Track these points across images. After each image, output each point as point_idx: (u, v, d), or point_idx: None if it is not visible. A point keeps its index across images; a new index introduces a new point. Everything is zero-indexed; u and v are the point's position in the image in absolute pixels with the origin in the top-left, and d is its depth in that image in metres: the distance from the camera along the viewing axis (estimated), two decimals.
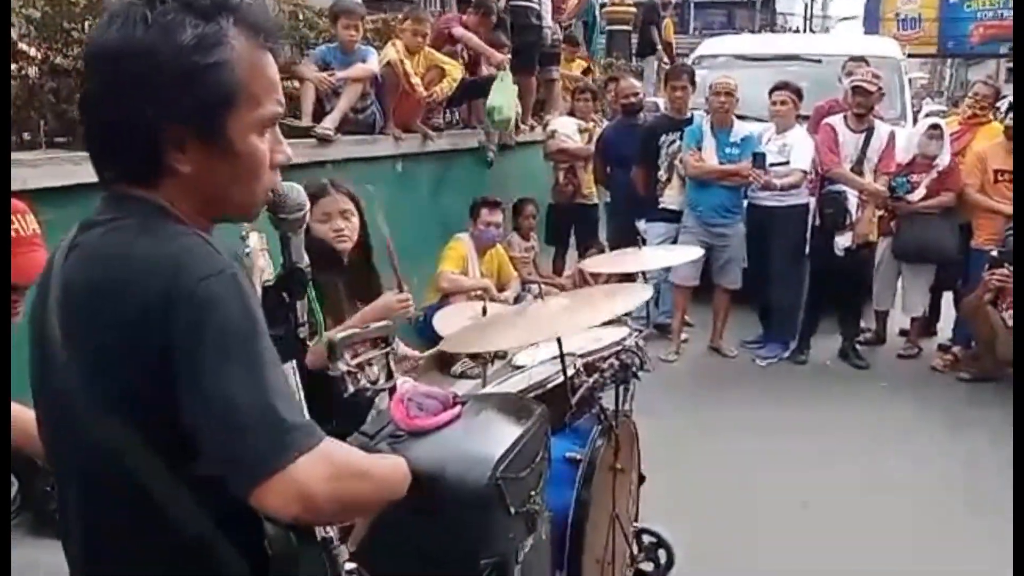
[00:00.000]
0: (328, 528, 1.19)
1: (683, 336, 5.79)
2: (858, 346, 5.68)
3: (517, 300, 5.23)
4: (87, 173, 1.16)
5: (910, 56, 12.59)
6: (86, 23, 3.20)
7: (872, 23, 18.84)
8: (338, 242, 2.58)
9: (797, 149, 5.41)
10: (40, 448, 1.19)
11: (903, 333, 5.97)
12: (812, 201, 5.51)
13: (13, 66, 3.18)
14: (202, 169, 1.07)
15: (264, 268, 1.85)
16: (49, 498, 1.86)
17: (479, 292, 4.96)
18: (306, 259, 1.33)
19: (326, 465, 1.00)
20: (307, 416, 1.03)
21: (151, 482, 1.03)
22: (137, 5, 1.03)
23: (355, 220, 2.61)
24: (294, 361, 1.29)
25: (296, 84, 4.63)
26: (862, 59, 6.16)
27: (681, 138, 5.71)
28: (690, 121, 5.80)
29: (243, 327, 1.01)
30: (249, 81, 1.06)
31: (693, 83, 5.89)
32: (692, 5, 25.23)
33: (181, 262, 1.01)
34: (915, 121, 6.79)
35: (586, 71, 8.24)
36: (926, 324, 5.95)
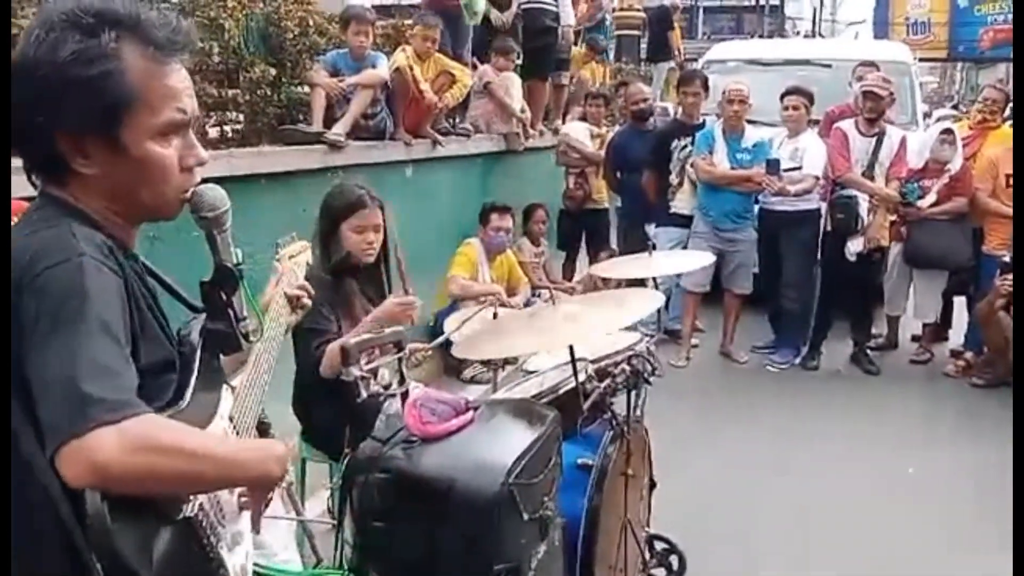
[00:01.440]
0: (194, 507, 1.20)
1: (693, 341, 5.77)
2: (870, 351, 5.66)
3: (527, 305, 5.22)
4: None
5: (920, 60, 12.55)
6: None
7: (881, 27, 18.77)
8: (366, 255, 2.63)
9: (809, 154, 5.40)
10: None
11: (915, 338, 5.94)
12: (824, 206, 5.50)
13: None
14: (105, 171, 1.19)
15: (291, 273, 1.83)
16: None
17: (489, 297, 4.95)
18: (236, 257, 1.38)
19: (124, 438, 1.02)
20: (125, 393, 1.06)
21: (32, 459, 1.09)
22: (35, 26, 1.16)
23: (382, 233, 2.66)
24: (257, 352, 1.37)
25: (307, 90, 4.64)
26: (873, 64, 6.14)
27: (693, 143, 5.70)
28: (702, 126, 5.79)
29: (71, 307, 1.08)
30: (140, 91, 1.17)
31: (706, 88, 5.89)
32: (701, 10, 25.21)
33: (37, 251, 1.12)
34: (926, 126, 6.77)
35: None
36: (938, 329, 5.92)
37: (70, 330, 1.07)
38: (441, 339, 2.60)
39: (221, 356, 1.40)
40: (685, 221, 5.66)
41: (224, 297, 1.36)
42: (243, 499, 1.34)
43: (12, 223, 1.75)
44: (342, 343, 1.71)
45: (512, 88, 6.27)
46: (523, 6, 6.50)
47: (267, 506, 1.32)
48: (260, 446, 1.27)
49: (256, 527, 1.33)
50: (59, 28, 1.14)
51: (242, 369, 1.48)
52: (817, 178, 5.39)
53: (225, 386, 1.38)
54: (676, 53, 10.68)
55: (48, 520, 1.12)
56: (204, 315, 1.36)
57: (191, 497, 1.21)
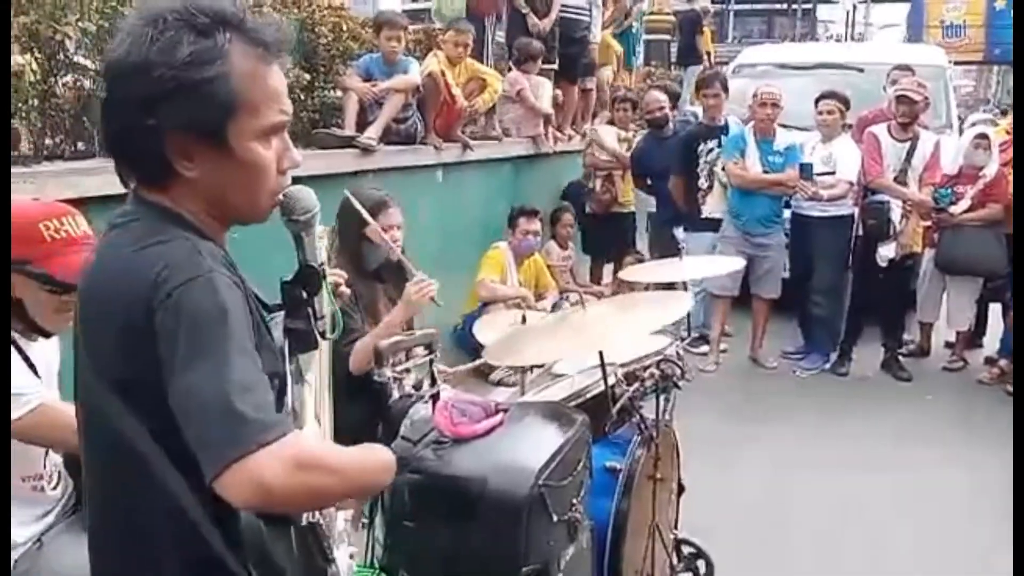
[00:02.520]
0: (316, 514, 1.24)
1: (722, 346, 5.74)
2: (901, 358, 5.59)
3: (554, 309, 5.23)
4: None
5: (955, 64, 12.36)
6: None
7: (915, 31, 18.52)
8: (393, 253, 2.68)
9: (843, 160, 5.35)
10: None
11: (948, 345, 5.86)
12: (856, 211, 5.45)
13: (68, 78, 3.28)
14: (208, 174, 1.16)
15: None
16: None
17: (517, 300, 4.97)
18: (320, 258, 1.40)
19: (283, 458, 1.03)
20: (272, 411, 1.08)
21: (158, 473, 1.11)
22: (141, 24, 1.12)
23: (403, 231, 2.72)
24: (324, 349, 1.38)
25: (340, 94, 4.69)
26: (907, 68, 6.07)
27: (719, 145, 5.69)
28: (725, 128, 5.77)
29: (213, 328, 1.07)
30: (248, 92, 1.14)
31: (726, 90, 5.87)
32: (731, 13, 25.06)
33: (164, 266, 1.09)
34: (961, 130, 6.68)
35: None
36: (972, 336, 5.84)
37: (216, 351, 1.05)
38: (476, 363, 2.63)
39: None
40: (716, 225, 5.64)
41: (305, 296, 1.37)
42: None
43: (87, 228, 1.82)
44: (375, 343, 1.73)
45: (541, 91, 6.30)
46: (561, 14, 6.53)
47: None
48: (377, 456, 1.26)
49: (357, 526, 1.35)
50: (173, 27, 1.11)
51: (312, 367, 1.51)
52: (851, 184, 5.35)
53: (305, 385, 1.41)
54: (706, 57, 10.63)
55: (182, 540, 1.13)
56: (282, 314, 1.36)
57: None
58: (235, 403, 1.03)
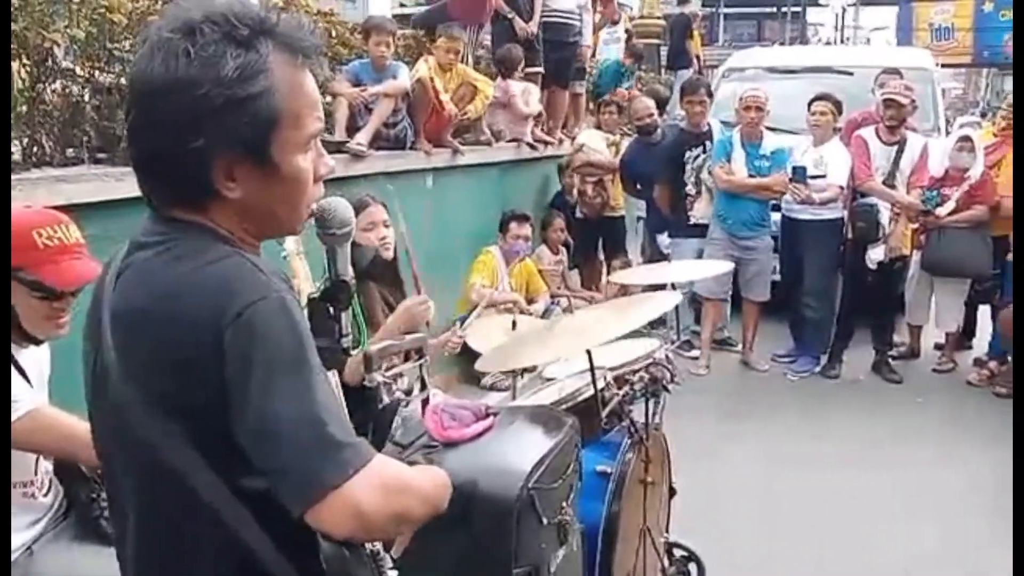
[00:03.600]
0: (375, 542, 1.22)
1: (737, 349, 5.80)
2: (891, 360, 5.62)
3: (545, 313, 5.25)
4: (129, 188, 1.19)
5: (944, 66, 12.44)
6: (127, 42, 3.29)
7: (905, 33, 18.64)
8: (384, 250, 2.68)
9: (834, 163, 5.37)
10: (94, 458, 1.23)
11: (938, 347, 5.90)
12: (845, 214, 5.48)
13: (57, 84, 3.28)
14: (251, 193, 1.08)
15: (300, 272, 1.91)
16: (93, 506, 1.92)
17: (508, 304, 4.99)
18: (351, 272, 1.36)
19: (378, 482, 1.01)
20: (354, 434, 1.04)
21: (211, 500, 1.04)
22: (177, 37, 1.03)
23: (391, 229, 2.71)
24: (335, 371, 1.33)
25: (329, 100, 4.70)
26: (896, 71, 6.12)
27: (704, 152, 5.72)
28: (709, 134, 5.81)
29: (291, 350, 1.02)
30: (290, 103, 1.07)
31: (711, 96, 5.91)
32: (721, 17, 25.16)
33: (229, 287, 1.02)
34: (948, 133, 6.73)
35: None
36: (961, 338, 5.87)
37: (298, 374, 1.01)
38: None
39: None
40: (703, 231, 5.67)
41: (332, 312, 1.33)
42: None
43: (79, 236, 1.82)
44: (364, 350, 1.74)
45: (529, 96, 6.31)
46: (547, 18, 6.55)
47: None
48: (438, 476, 1.21)
49: (400, 552, 1.32)
50: (213, 40, 1.02)
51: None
52: (841, 188, 5.37)
53: None
54: (695, 61, 10.68)
55: (222, 547, 1.07)
56: None
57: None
58: (328, 428, 0.99)
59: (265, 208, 1.11)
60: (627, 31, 9.42)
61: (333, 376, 1.33)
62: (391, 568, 1.29)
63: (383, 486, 1.01)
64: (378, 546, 1.22)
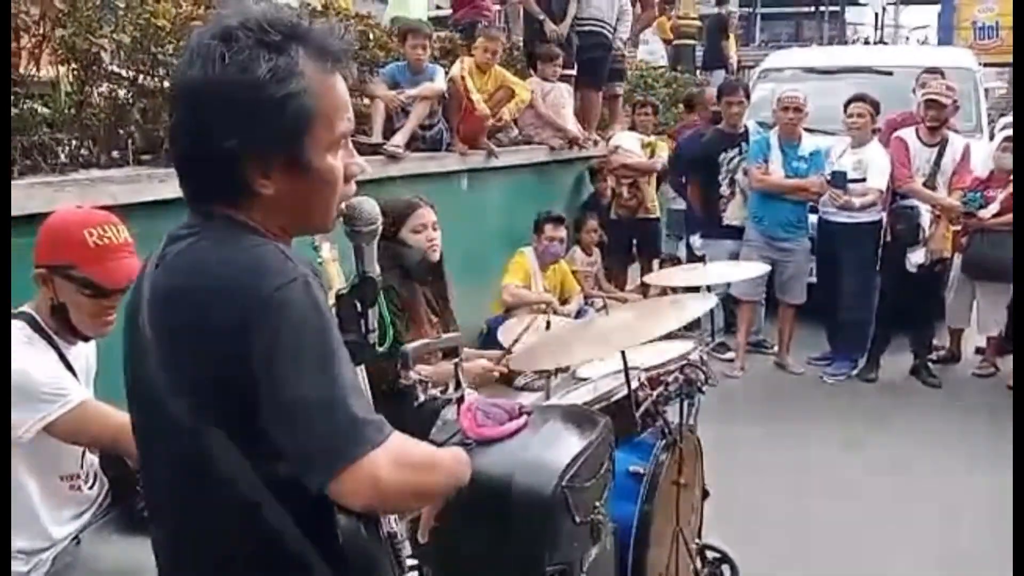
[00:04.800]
0: (392, 524, 1.26)
1: (774, 350, 5.76)
2: (931, 364, 5.53)
3: (579, 314, 5.24)
4: (172, 189, 1.24)
5: (988, 65, 12.18)
6: (171, 46, 3.36)
7: (946, 32, 18.32)
8: (432, 252, 2.73)
9: (874, 166, 5.29)
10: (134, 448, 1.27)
11: (979, 351, 5.79)
12: (884, 216, 5.40)
13: (104, 88, 3.36)
14: (284, 190, 1.14)
15: (335, 276, 1.95)
16: (137, 498, 1.96)
17: (542, 306, 4.99)
18: (377, 269, 1.40)
19: (396, 456, 1.06)
20: (374, 411, 1.09)
21: (236, 479, 1.10)
22: (215, 43, 1.09)
23: (439, 231, 2.75)
24: (363, 366, 1.37)
25: (367, 102, 4.75)
26: (937, 71, 6.02)
27: (740, 153, 5.68)
28: (745, 135, 5.76)
29: (316, 331, 1.07)
30: (322, 104, 1.13)
31: (748, 97, 5.87)
32: (759, 17, 24.89)
33: (258, 271, 1.08)
34: (992, 133, 6.60)
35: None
36: (1003, 342, 5.75)
37: (324, 354, 1.06)
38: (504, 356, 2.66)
39: None
40: (736, 233, 5.63)
41: (359, 308, 1.37)
42: None
43: (127, 236, 1.88)
44: (400, 349, 1.77)
45: (562, 99, 6.31)
46: (579, 22, 6.55)
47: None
48: (459, 456, 1.27)
49: (425, 535, 1.37)
50: (247, 45, 1.09)
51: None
52: (881, 192, 5.29)
53: None
54: (730, 62, 10.59)
55: (255, 538, 1.12)
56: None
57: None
58: (351, 404, 1.04)
59: (297, 205, 1.17)
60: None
61: (361, 371, 1.36)
62: (410, 556, 1.33)
63: (401, 460, 1.06)
64: (395, 527, 1.26)
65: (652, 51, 9.85)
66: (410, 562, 1.44)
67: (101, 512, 2.02)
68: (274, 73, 1.09)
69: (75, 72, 3.20)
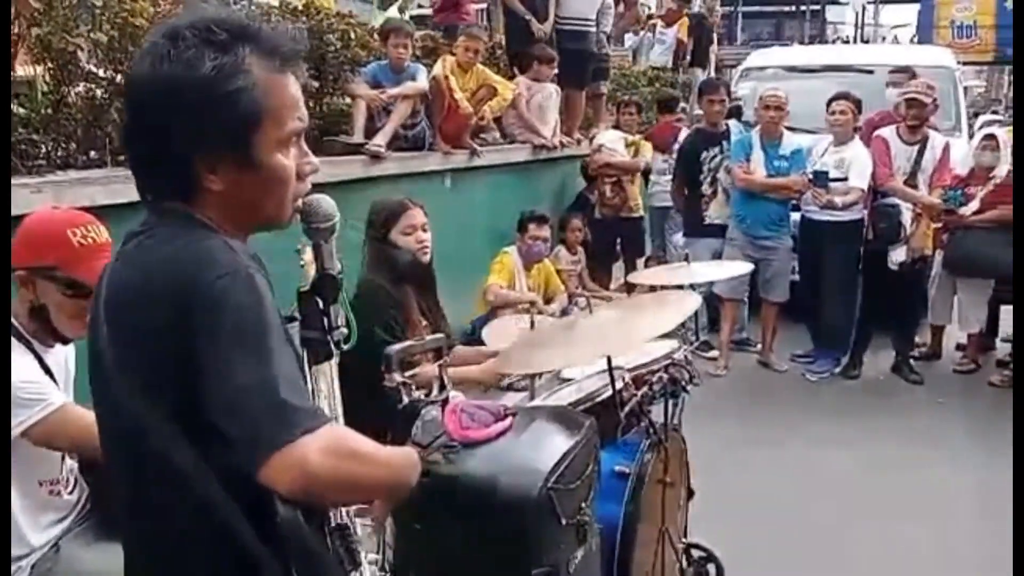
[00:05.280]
0: (344, 516, 1.25)
1: (754, 347, 5.80)
2: (913, 361, 5.57)
3: (563, 313, 5.24)
4: None
5: (967, 64, 12.30)
6: None
7: (926, 31, 18.46)
8: (422, 254, 2.72)
9: (856, 165, 5.32)
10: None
11: (960, 348, 5.84)
12: (865, 215, 5.44)
13: (81, 87, 3.32)
14: (233, 186, 1.17)
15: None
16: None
17: (526, 305, 4.99)
18: (338, 266, 1.40)
19: (327, 445, 1.05)
20: (311, 401, 1.11)
21: (188, 471, 1.11)
22: (162, 42, 1.13)
23: (430, 232, 2.74)
24: (332, 361, 1.39)
25: (348, 102, 4.72)
26: (907, 69, 6.08)
27: (721, 152, 5.70)
28: (727, 134, 5.79)
29: (254, 320, 1.09)
30: (270, 103, 1.16)
31: (729, 95, 5.89)
32: (740, 16, 25.00)
33: (201, 263, 1.10)
34: (971, 131, 6.66)
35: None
36: (984, 339, 5.81)
37: (260, 343, 1.07)
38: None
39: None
40: (718, 231, 5.64)
41: (321, 305, 1.37)
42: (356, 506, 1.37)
43: (107, 235, 1.86)
44: (386, 352, 1.75)
45: (548, 101, 6.31)
46: (561, 21, 6.55)
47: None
48: (406, 453, 1.28)
49: (382, 528, 1.36)
50: (193, 44, 1.12)
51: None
52: (863, 191, 5.32)
53: (322, 395, 1.42)
54: (710, 61, 10.62)
55: (214, 539, 1.13)
56: (296, 324, 1.36)
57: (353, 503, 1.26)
58: (282, 393, 1.05)
59: (248, 202, 1.20)
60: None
61: (331, 368, 1.38)
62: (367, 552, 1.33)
63: (332, 450, 1.06)
64: (345, 520, 1.25)
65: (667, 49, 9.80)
66: (371, 556, 1.43)
67: (81, 518, 1.99)
68: (219, 71, 1.11)
69: (51, 71, 3.16)
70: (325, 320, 1.38)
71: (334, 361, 1.56)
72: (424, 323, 2.73)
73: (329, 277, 1.38)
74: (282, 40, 1.19)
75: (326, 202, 1.36)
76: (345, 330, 1.43)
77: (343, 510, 1.25)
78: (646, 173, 6.82)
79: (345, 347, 1.44)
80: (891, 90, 5.82)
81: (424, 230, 2.75)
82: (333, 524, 1.23)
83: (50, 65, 3.13)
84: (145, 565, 1.23)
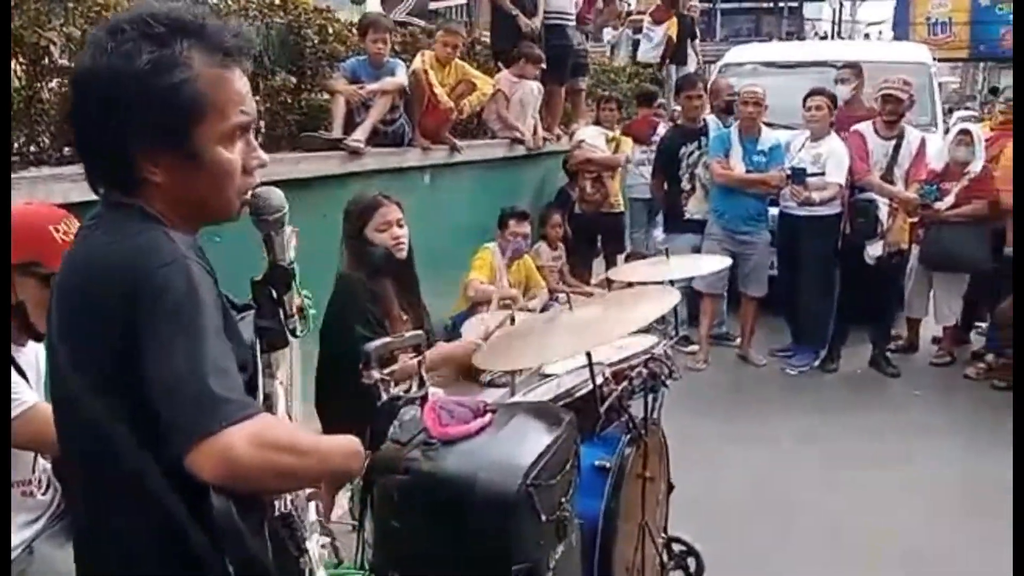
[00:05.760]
0: (288, 504, 1.26)
1: (735, 342, 5.83)
2: (889, 354, 5.63)
3: (544, 309, 5.24)
4: None
5: (941, 60, 12.39)
6: None
7: (902, 28, 18.61)
8: (397, 250, 2.70)
9: (833, 160, 5.36)
10: None
11: (936, 341, 5.91)
12: (843, 209, 5.47)
13: (55, 83, 3.27)
14: (175, 179, 1.19)
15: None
16: None
17: (507, 301, 4.98)
18: (291, 256, 1.41)
19: (252, 435, 1.06)
20: (242, 392, 1.11)
21: (136, 464, 1.13)
22: (103, 36, 1.15)
23: (406, 228, 2.72)
24: (292, 350, 1.40)
25: (327, 97, 4.69)
26: (855, 65, 6.14)
27: (699, 147, 5.72)
28: (705, 129, 5.80)
29: (190, 310, 1.10)
30: (213, 96, 1.17)
31: (707, 91, 5.91)
32: (719, 12, 25.10)
33: (140, 254, 1.12)
34: (947, 127, 6.73)
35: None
36: (959, 332, 5.88)
37: (192, 333, 1.08)
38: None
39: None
40: (698, 227, 5.67)
41: (275, 295, 1.38)
42: (309, 491, 1.38)
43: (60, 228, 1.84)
44: (365, 348, 1.74)
45: (530, 97, 6.30)
46: (547, 18, 6.55)
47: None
48: (346, 443, 1.29)
49: (328, 516, 1.37)
50: (131, 38, 1.13)
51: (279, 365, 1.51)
52: (840, 186, 5.36)
53: (276, 382, 1.42)
54: (693, 57, 10.65)
55: (157, 527, 1.14)
56: (252, 313, 1.38)
57: (286, 493, 1.26)
58: (210, 383, 1.06)
59: (192, 195, 1.21)
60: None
61: (292, 357, 1.40)
62: (316, 536, 1.35)
63: (257, 439, 1.06)
64: (289, 508, 1.26)
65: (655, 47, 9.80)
66: (323, 540, 1.43)
67: (54, 518, 1.97)
68: (155, 64, 1.13)
69: (24, 66, 3.11)
70: (280, 310, 1.39)
71: (296, 351, 1.56)
72: (405, 318, 2.72)
73: (280, 268, 1.39)
74: (225, 35, 1.20)
75: (275, 194, 1.36)
76: (299, 321, 1.44)
77: (287, 498, 1.26)
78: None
79: (300, 335, 1.45)
80: (840, 87, 5.88)
81: (399, 226, 2.73)
82: (277, 513, 1.24)
83: (22, 60, 3.08)
84: (96, 560, 1.24)
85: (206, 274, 1.16)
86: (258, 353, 1.32)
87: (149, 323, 1.08)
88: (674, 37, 9.45)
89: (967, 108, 13.74)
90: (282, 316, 1.39)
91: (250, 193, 1.29)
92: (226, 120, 1.19)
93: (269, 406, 1.36)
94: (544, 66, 6.37)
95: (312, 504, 1.39)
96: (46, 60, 3.16)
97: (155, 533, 1.16)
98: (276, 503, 1.25)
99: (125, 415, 1.12)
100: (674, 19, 9.64)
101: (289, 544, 1.25)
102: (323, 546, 1.40)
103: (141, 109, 1.13)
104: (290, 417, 1.45)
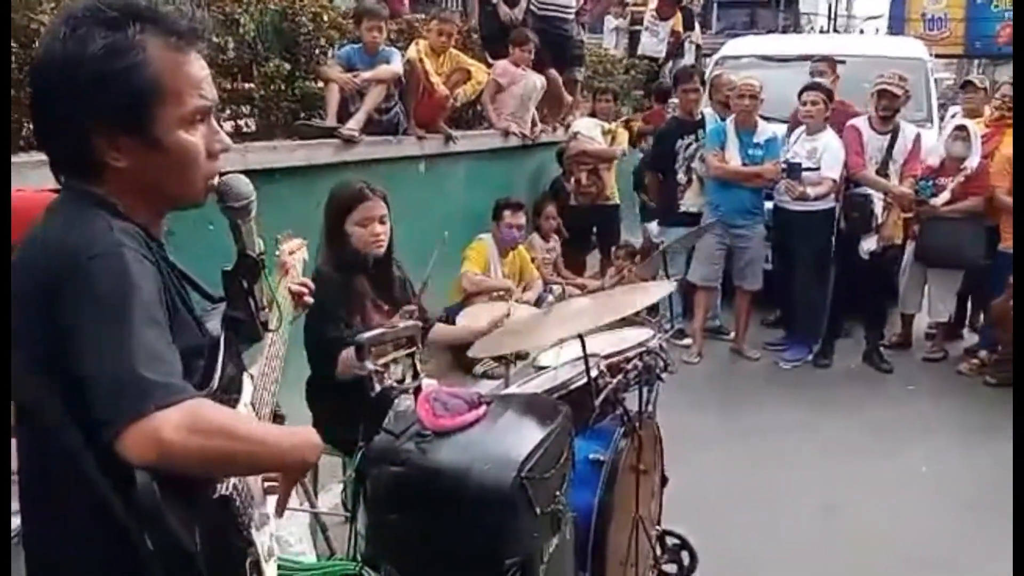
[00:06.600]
0: (230, 488, 1.25)
1: (728, 337, 5.83)
2: (883, 349, 5.63)
3: (539, 301, 5.23)
4: None
5: (936, 56, 12.39)
6: None
7: (897, 23, 18.63)
8: (375, 247, 2.62)
9: (828, 155, 5.34)
10: None
11: (929, 336, 5.91)
12: (838, 204, 5.47)
13: None
14: (138, 164, 1.20)
15: (294, 269, 1.90)
16: None
17: (501, 293, 4.97)
18: (259, 246, 1.39)
19: (182, 419, 1.06)
20: (177, 378, 1.11)
21: (72, 445, 1.13)
22: (59, 23, 1.17)
23: (388, 224, 2.65)
24: (274, 341, 1.41)
25: (321, 85, 4.66)
26: (828, 59, 6.13)
27: (696, 140, 5.71)
28: (702, 122, 5.79)
29: (119, 297, 1.10)
30: (169, 80, 1.18)
31: (704, 84, 5.90)
32: (715, 5, 25.05)
33: (79, 242, 1.13)
34: (941, 122, 6.73)
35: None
36: (953, 328, 5.89)
37: (121, 320, 1.09)
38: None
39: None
40: (693, 220, 5.66)
41: (245, 286, 1.37)
42: (267, 484, 1.37)
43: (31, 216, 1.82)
44: (357, 339, 1.72)
45: (532, 92, 6.27)
46: (539, 6, 6.51)
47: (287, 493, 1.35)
48: (298, 433, 1.28)
49: (281, 512, 1.35)
50: (84, 24, 1.15)
51: (257, 358, 1.50)
52: (835, 181, 5.35)
53: (246, 374, 1.40)
54: (694, 48, 10.63)
55: (87, 502, 1.15)
56: (224, 304, 1.37)
57: (224, 478, 1.25)
58: (139, 368, 1.06)
59: (153, 180, 1.22)
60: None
61: (274, 347, 1.40)
62: (268, 529, 1.34)
63: (188, 424, 1.07)
64: (231, 491, 1.25)
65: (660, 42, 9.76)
66: (280, 534, 1.42)
67: None
68: (108, 48, 1.14)
69: (14, 51, 3.07)
70: (251, 301, 1.38)
71: (279, 342, 1.54)
72: (386, 307, 2.67)
73: (248, 258, 1.37)
74: (179, 19, 1.21)
75: (241, 181, 1.35)
76: (268, 313, 1.42)
77: (231, 482, 1.26)
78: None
79: (272, 328, 1.43)
80: (813, 79, 5.85)
81: (382, 222, 2.62)
82: (216, 495, 1.23)
83: (14, 44, 3.04)
84: (39, 549, 1.24)
85: (146, 262, 1.16)
86: (221, 344, 1.29)
87: (74, 311, 1.09)
88: (681, 33, 9.44)
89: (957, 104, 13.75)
90: (253, 308, 1.38)
91: (216, 179, 1.29)
92: (184, 104, 1.20)
93: (233, 397, 1.34)
94: (537, 54, 6.33)
95: (271, 498, 1.37)
96: (36, 45, 3.12)
97: (90, 515, 1.16)
98: (218, 486, 1.24)
99: (61, 396, 1.12)
100: (679, 15, 9.62)
101: (229, 529, 1.24)
102: (276, 540, 1.38)
103: (97, 93, 1.14)
104: (254, 408, 1.43)
